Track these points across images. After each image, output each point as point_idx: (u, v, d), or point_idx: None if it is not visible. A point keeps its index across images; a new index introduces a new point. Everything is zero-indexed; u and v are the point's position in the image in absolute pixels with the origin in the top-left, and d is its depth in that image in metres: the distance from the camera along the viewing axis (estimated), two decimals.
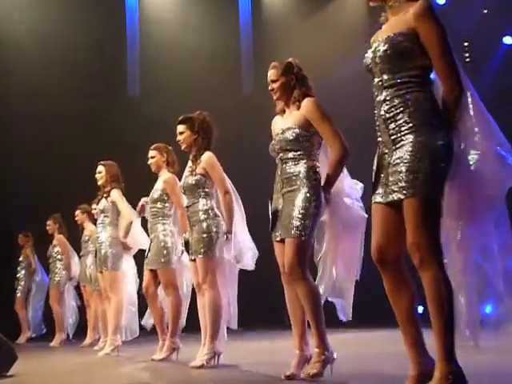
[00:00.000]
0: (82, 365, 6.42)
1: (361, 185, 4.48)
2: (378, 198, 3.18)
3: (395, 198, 3.05)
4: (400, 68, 3.11)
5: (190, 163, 5.57)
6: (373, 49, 3.21)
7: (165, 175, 6.30)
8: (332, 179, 4.26)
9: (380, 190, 3.17)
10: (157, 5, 12.15)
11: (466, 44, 10.96)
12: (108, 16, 11.56)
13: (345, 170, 4.39)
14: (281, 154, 4.40)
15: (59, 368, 6.26)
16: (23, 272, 10.65)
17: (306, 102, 4.37)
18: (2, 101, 11.03)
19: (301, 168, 4.31)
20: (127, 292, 7.21)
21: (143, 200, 6.50)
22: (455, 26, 9.88)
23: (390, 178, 3.08)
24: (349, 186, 4.43)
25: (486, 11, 11.10)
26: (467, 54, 10.93)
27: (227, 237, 5.39)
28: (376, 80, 3.20)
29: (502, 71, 11.28)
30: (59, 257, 9.87)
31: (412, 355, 3.11)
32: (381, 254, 3.17)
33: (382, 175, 3.17)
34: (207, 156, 5.44)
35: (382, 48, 3.14)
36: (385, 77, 3.15)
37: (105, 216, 7.31)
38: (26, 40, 11.20)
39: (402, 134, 3.07)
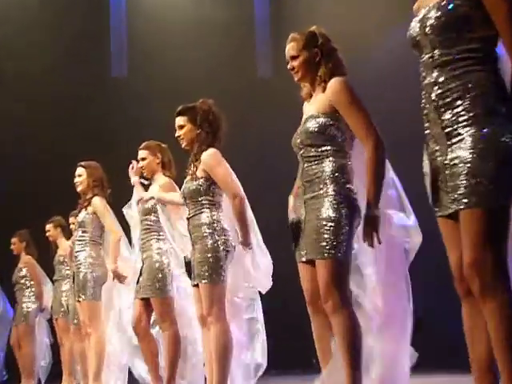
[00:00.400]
0: None
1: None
2: (442, 211, 3.09)
3: (453, 210, 2.97)
4: (457, 40, 2.98)
5: (191, 166, 5.49)
6: (421, 16, 3.09)
7: (160, 180, 6.25)
8: (374, 188, 4.07)
9: (442, 200, 3.08)
10: None
11: None
12: None
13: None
14: (302, 151, 4.30)
15: None
16: None
17: (333, 83, 4.20)
18: None
19: (325, 168, 4.21)
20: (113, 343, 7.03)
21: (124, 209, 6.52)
22: None
23: (448, 184, 2.99)
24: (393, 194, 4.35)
25: None
26: None
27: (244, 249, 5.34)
28: (425, 56, 3.08)
29: None
30: (28, 283, 9.72)
31: None
32: (475, 270, 2.92)
33: (440, 180, 3.07)
34: (208, 153, 5.33)
35: (434, 15, 3.02)
36: (437, 52, 3.02)
37: (84, 231, 7.19)
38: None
39: (460, 125, 2.94)
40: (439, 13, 3.00)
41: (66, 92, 11.33)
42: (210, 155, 5.34)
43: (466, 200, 2.89)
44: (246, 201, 5.44)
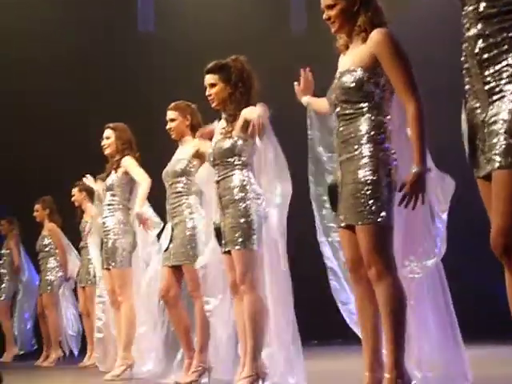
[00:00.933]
0: None
1: None
2: (479, 172, 3.01)
3: (489, 169, 2.88)
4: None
5: (221, 124, 5.46)
6: None
7: (190, 142, 6.26)
8: (420, 145, 4.02)
9: (479, 160, 3.00)
10: None
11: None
12: None
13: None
14: (337, 109, 4.23)
15: None
16: (7, 269, 10.71)
17: (376, 34, 4.13)
18: None
19: (361, 127, 4.17)
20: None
21: None
22: None
23: (486, 143, 2.91)
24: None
25: None
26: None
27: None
28: (469, 8, 2.96)
29: None
30: (52, 251, 9.84)
31: None
32: (504, 238, 2.89)
33: (479, 138, 2.99)
34: (248, 110, 5.21)
35: None
36: (483, 4, 2.92)
37: (112, 195, 7.19)
38: None
39: (504, 82, 2.86)
40: None
41: (92, 49, 11.49)
42: (248, 110, 5.22)
43: (499, 159, 2.82)
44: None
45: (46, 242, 9.90)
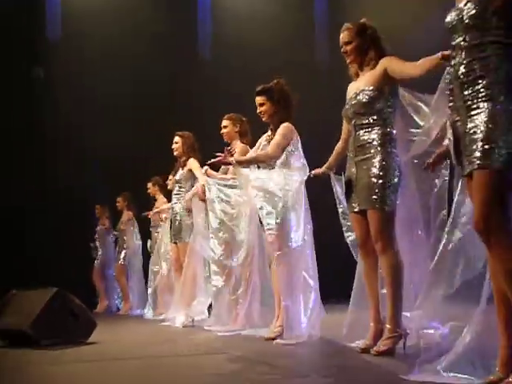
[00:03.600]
0: (158, 335, 6.46)
1: None
2: (464, 171, 3.03)
3: (468, 170, 2.92)
4: (487, 28, 2.91)
5: (269, 132, 5.52)
6: (459, 6, 3.02)
7: (238, 146, 6.24)
8: None
9: (463, 162, 3.01)
10: None
11: None
12: None
13: None
14: (354, 120, 4.35)
15: (137, 337, 6.39)
16: (99, 242, 10.74)
17: (385, 58, 4.31)
18: (82, 68, 11.19)
19: (375, 135, 4.25)
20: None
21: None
22: None
23: (467, 148, 2.92)
24: None
25: None
26: None
27: None
28: (458, 39, 3.01)
29: None
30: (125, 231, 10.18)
31: None
32: (483, 222, 2.90)
33: (461, 145, 3.01)
34: (283, 125, 5.31)
35: (471, 6, 2.96)
36: (468, 36, 2.96)
37: (180, 187, 7.37)
38: (101, 9, 11.44)
39: (479, 100, 2.89)
40: (474, 5, 2.94)
41: (162, 72, 11.26)
42: (283, 127, 5.32)
43: (478, 161, 2.85)
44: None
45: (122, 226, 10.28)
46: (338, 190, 4.86)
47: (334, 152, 4.85)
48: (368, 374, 3.75)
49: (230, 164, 5.53)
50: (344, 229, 4.87)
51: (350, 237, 4.81)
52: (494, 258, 2.92)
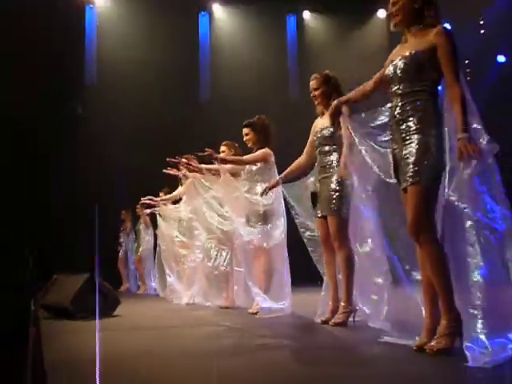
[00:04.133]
0: (168, 311, 6.34)
1: None
2: (401, 186, 3.06)
3: (405, 186, 2.98)
4: (415, 79, 3.00)
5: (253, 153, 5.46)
6: (395, 62, 3.09)
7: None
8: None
9: (401, 180, 3.06)
10: (225, 34, 12.15)
11: (466, 62, 10.19)
12: (186, 41, 11.68)
13: None
14: (319, 148, 4.41)
15: (152, 312, 6.31)
16: (124, 238, 10.72)
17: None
18: (112, 107, 11.13)
19: (333, 158, 4.30)
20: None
21: None
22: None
23: (402, 170, 3.00)
24: None
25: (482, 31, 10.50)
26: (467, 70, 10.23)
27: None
28: (394, 88, 3.09)
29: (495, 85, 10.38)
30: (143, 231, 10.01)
31: None
32: (413, 229, 2.96)
33: (399, 166, 3.05)
34: (261, 150, 5.32)
35: (403, 62, 3.04)
36: (401, 86, 3.05)
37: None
38: (128, 61, 11.36)
39: (411, 133, 2.97)
40: (407, 60, 3.02)
41: (163, 116, 11.14)
42: (263, 150, 5.32)
43: (411, 180, 2.93)
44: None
45: (141, 226, 9.97)
46: (289, 197, 4.82)
47: (296, 162, 4.74)
48: (327, 338, 3.83)
49: (215, 159, 5.29)
50: (301, 228, 4.76)
51: (306, 233, 4.71)
52: (423, 253, 2.97)
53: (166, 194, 8.54)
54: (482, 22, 10.73)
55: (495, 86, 10.34)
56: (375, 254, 3.68)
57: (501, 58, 11.16)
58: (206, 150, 5.23)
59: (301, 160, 4.73)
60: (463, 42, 9.59)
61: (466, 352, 2.62)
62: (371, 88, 3.37)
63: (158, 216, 7.96)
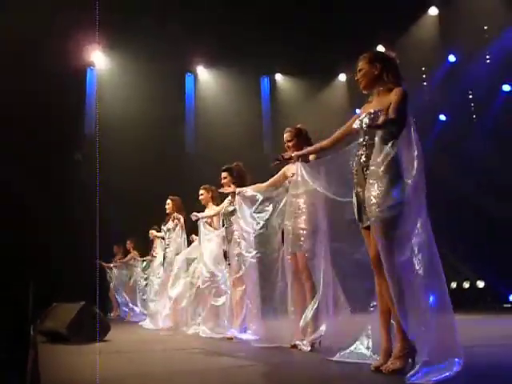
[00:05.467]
0: (157, 335, 6.26)
1: None
2: (363, 224, 3.11)
3: (370, 223, 3.00)
4: (377, 133, 3.02)
5: (229, 197, 5.48)
6: (361, 118, 3.16)
7: (212, 207, 6.11)
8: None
9: (363, 219, 3.10)
10: (208, 93, 12.25)
11: (470, 92, 9.80)
12: (174, 99, 11.70)
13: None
14: (290, 191, 4.28)
15: (138, 337, 6.19)
16: (115, 270, 10.38)
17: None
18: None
19: (302, 201, 4.20)
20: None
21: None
22: (463, 77, 9.37)
23: (367, 210, 3.00)
24: None
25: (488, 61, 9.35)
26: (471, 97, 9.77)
27: None
28: (360, 139, 3.14)
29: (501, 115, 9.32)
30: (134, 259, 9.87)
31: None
32: (377, 263, 3.02)
33: (362, 207, 3.08)
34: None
35: (367, 118, 3.10)
36: (367, 138, 3.11)
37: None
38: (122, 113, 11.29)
39: (374, 178, 2.98)
40: (371, 116, 3.09)
41: (154, 164, 10.90)
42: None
43: (373, 218, 2.93)
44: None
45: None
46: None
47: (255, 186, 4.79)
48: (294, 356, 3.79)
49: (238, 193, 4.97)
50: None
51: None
52: (383, 284, 2.96)
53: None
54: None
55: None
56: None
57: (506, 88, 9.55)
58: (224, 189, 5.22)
59: (261, 186, 4.76)
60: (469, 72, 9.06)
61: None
62: (328, 145, 3.56)
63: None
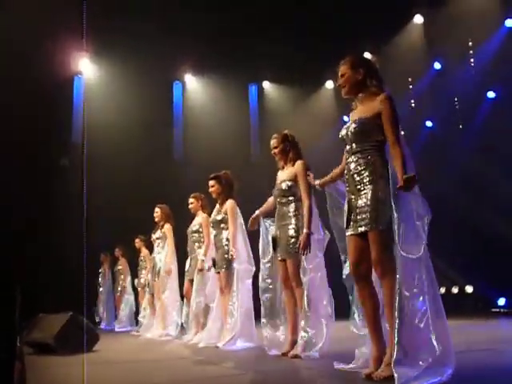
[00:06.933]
0: (146, 344, 6.20)
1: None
2: (351, 231, 3.07)
3: (363, 230, 2.98)
4: (364, 140, 3.04)
5: (217, 206, 5.43)
6: (346, 126, 3.14)
7: (201, 215, 6.13)
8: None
9: (351, 226, 3.07)
10: (196, 100, 12.22)
11: (456, 99, 9.81)
12: (162, 106, 11.65)
13: None
14: (278, 199, 4.34)
15: (126, 347, 6.12)
16: (103, 279, 10.28)
17: (297, 164, 4.25)
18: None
19: (291, 208, 4.25)
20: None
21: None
22: (448, 84, 9.41)
23: (358, 217, 3.00)
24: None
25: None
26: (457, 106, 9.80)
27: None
28: (348, 147, 3.13)
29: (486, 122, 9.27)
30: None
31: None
32: (355, 270, 3.03)
33: (352, 215, 3.06)
34: (229, 202, 5.27)
35: (354, 126, 3.08)
36: (354, 145, 3.09)
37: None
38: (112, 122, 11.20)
39: (364, 185, 3.01)
40: (356, 124, 3.08)
41: (142, 172, 10.79)
42: (229, 202, 5.26)
43: (369, 226, 2.93)
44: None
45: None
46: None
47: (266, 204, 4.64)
48: (285, 364, 3.73)
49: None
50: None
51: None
52: (365, 290, 2.97)
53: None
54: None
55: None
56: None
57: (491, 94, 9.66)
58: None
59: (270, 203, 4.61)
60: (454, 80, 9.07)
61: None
62: (342, 170, 3.33)
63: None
